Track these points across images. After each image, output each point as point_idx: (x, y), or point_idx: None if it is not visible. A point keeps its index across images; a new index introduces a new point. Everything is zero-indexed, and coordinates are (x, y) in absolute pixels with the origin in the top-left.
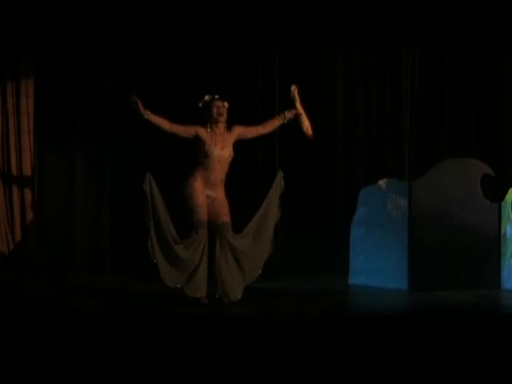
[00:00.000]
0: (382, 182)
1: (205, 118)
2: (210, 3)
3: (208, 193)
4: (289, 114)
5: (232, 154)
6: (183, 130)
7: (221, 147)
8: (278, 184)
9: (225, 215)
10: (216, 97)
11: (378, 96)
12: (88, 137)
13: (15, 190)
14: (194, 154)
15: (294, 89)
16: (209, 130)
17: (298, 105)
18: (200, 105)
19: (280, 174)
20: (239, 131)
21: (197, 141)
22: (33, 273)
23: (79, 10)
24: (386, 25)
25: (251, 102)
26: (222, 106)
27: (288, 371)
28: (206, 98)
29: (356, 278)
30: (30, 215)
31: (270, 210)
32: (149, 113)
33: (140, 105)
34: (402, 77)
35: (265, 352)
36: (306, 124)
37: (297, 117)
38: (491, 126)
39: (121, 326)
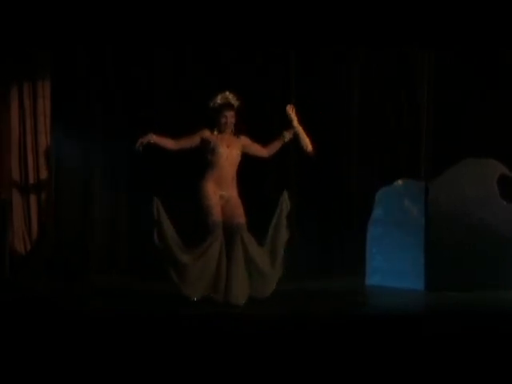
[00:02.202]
0: (398, 183)
1: (212, 119)
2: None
3: (221, 193)
4: (288, 134)
5: (240, 153)
6: (188, 142)
7: (226, 145)
8: (284, 205)
9: (240, 216)
10: (228, 96)
11: (395, 96)
12: (105, 137)
13: (32, 190)
14: (204, 155)
15: (289, 108)
16: (215, 132)
17: (295, 123)
18: (211, 105)
19: (285, 195)
20: (245, 142)
21: (203, 143)
22: (47, 273)
23: (95, 11)
24: (402, 24)
25: (250, 101)
26: (230, 117)
27: (304, 372)
28: (219, 100)
29: (372, 279)
30: (46, 215)
31: (278, 233)
32: (154, 137)
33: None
34: (418, 76)
35: (279, 352)
36: (306, 141)
37: (296, 135)
38: (509, 126)
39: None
